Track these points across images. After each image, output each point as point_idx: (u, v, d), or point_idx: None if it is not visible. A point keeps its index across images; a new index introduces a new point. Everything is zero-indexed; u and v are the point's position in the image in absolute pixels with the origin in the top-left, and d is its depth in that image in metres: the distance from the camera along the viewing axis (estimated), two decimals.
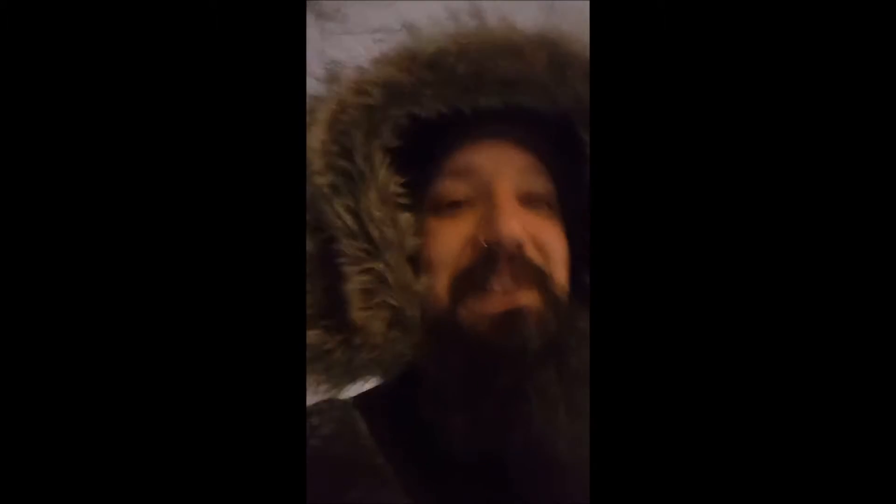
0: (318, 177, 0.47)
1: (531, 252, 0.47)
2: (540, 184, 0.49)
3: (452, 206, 0.48)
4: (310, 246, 0.49)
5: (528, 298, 0.46)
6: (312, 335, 0.47)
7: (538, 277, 0.47)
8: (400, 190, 0.48)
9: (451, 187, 0.48)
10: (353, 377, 0.49)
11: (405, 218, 0.48)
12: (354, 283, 0.46)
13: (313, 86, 0.49)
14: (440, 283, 0.47)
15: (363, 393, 0.53)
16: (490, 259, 0.46)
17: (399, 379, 0.50)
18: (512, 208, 0.47)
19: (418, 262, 0.48)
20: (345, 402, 0.51)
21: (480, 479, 0.45)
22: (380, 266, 0.46)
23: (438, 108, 0.48)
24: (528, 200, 0.48)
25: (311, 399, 0.50)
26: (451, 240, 0.47)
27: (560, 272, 0.48)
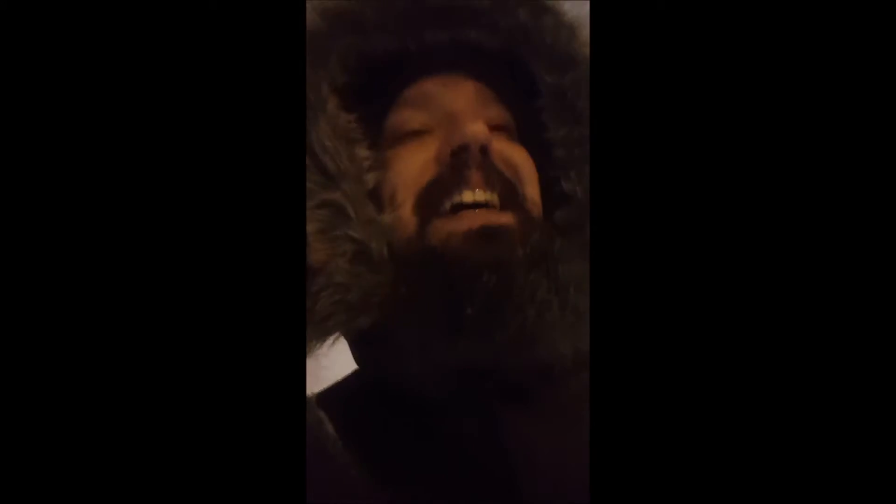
0: None
1: (499, 161, 0.44)
2: (498, 113, 0.47)
3: (412, 136, 0.46)
4: None
5: (505, 217, 0.43)
6: None
7: (509, 191, 0.44)
8: (352, 125, 0.45)
9: (409, 116, 0.46)
10: (320, 335, 0.44)
11: (361, 152, 0.45)
12: (310, 219, 0.43)
13: None
14: (405, 209, 0.44)
15: (324, 391, 0.49)
16: (457, 167, 0.43)
17: (365, 353, 0.47)
18: (473, 118, 0.44)
19: (380, 195, 0.45)
20: (308, 400, 0.47)
21: (470, 424, 0.42)
22: (337, 196, 0.43)
23: (384, 44, 0.47)
24: (490, 128, 0.45)
25: None
26: (412, 163, 0.45)
27: (532, 189, 0.46)
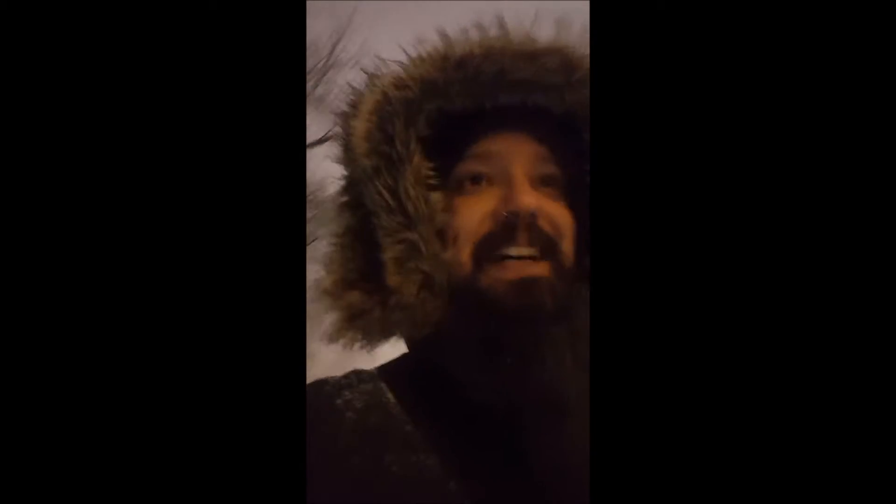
0: (364, 159, 0.55)
1: (543, 223, 0.55)
2: (549, 168, 0.57)
3: (474, 183, 0.56)
4: (352, 220, 0.58)
5: (541, 268, 0.54)
6: (353, 296, 0.55)
7: (549, 247, 0.55)
8: (430, 172, 0.56)
9: (474, 168, 0.56)
10: (386, 335, 0.57)
11: (435, 196, 0.56)
12: (390, 251, 0.54)
13: (359, 79, 0.58)
14: (464, 253, 0.55)
15: (385, 364, 0.60)
16: (508, 228, 0.54)
17: (419, 348, 0.58)
18: (526, 186, 0.55)
19: (445, 235, 0.56)
20: (370, 373, 0.59)
21: (500, 428, 0.52)
22: (413, 237, 0.54)
23: (464, 103, 0.56)
24: (540, 182, 0.56)
25: (344, 364, 0.58)
26: (473, 214, 0.55)
27: (568, 244, 0.56)
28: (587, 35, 0.57)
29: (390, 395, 0.56)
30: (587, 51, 0.56)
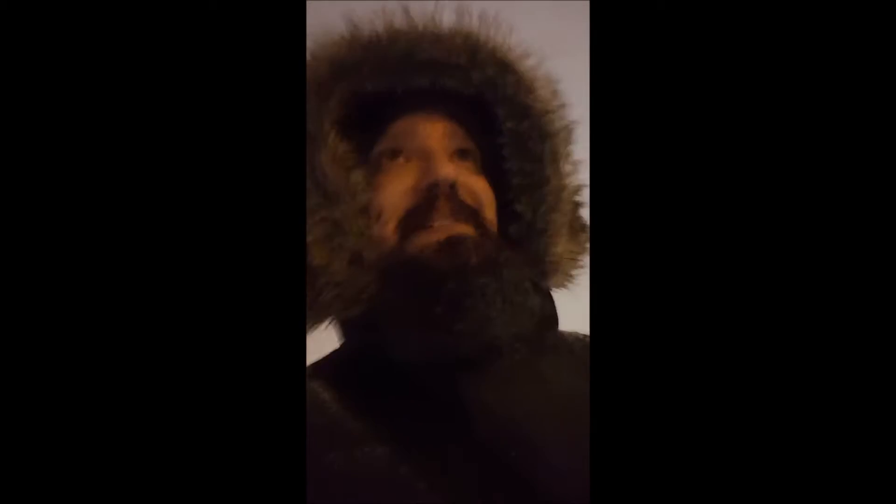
0: None
1: (464, 194, 0.56)
2: (464, 143, 0.59)
3: (392, 159, 0.57)
4: None
5: (464, 229, 0.55)
6: None
7: (471, 214, 0.56)
8: (348, 152, 0.56)
9: (391, 145, 0.58)
10: (317, 319, 0.56)
11: (355, 175, 0.56)
12: (313, 232, 0.54)
13: None
14: (389, 227, 0.56)
15: (315, 363, 0.59)
16: (430, 199, 0.55)
17: (352, 330, 0.57)
18: (444, 159, 0.57)
19: (369, 212, 0.56)
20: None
21: (443, 390, 0.51)
22: (335, 215, 0.54)
23: (375, 87, 0.58)
24: (457, 155, 0.58)
25: None
26: (395, 189, 0.56)
27: (489, 212, 0.58)
28: (488, 22, 0.60)
29: (326, 395, 0.55)
30: (490, 34, 0.60)
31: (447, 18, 0.61)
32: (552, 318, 0.59)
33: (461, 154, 0.59)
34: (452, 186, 0.55)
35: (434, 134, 0.58)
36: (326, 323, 0.57)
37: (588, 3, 0.41)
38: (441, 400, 0.52)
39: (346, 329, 0.59)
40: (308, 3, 0.47)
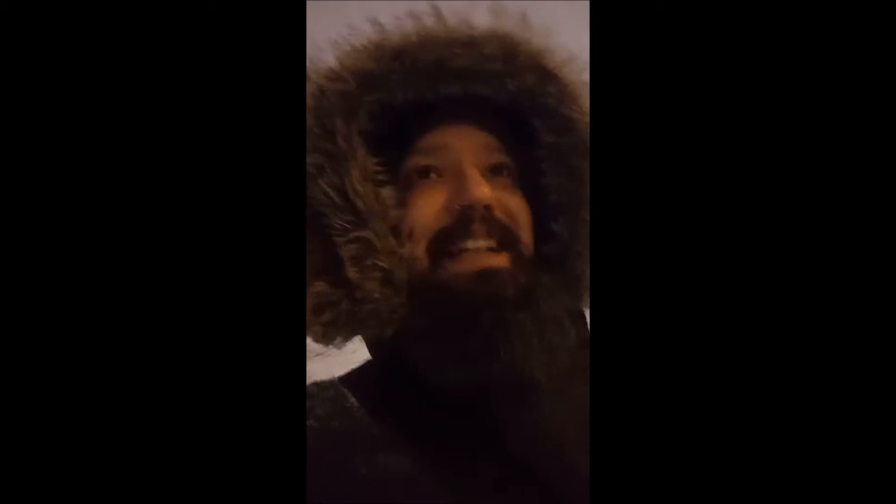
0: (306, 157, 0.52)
1: (499, 214, 0.53)
2: (499, 158, 0.56)
3: (423, 176, 0.54)
4: (308, 213, 0.53)
5: (501, 259, 0.53)
6: (318, 286, 0.52)
7: (507, 236, 0.53)
8: (378, 167, 0.54)
9: (422, 161, 0.55)
10: (351, 332, 0.54)
11: (385, 192, 0.54)
12: (345, 250, 0.52)
13: None
14: (420, 248, 0.53)
15: (346, 374, 0.58)
16: (464, 221, 0.52)
17: (382, 349, 0.56)
18: (478, 177, 0.53)
19: (400, 231, 0.54)
20: (330, 381, 0.56)
21: (470, 415, 0.50)
22: (367, 234, 0.52)
23: (405, 96, 0.54)
24: (490, 171, 0.55)
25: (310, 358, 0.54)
26: (427, 208, 0.54)
27: (525, 233, 0.55)
28: (525, 22, 0.56)
29: (353, 400, 0.54)
30: (526, 36, 0.56)
31: (481, 19, 0.56)
32: (585, 340, 0.56)
33: (496, 170, 0.56)
34: (487, 208, 0.53)
35: (467, 149, 0.55)
36: (356, 341, 0.56)
37: (588, 3, 0.40)
38: (471, 422, 0.51)
39: (378, 346, 0.57)
40: (308, 2, 0.45)
